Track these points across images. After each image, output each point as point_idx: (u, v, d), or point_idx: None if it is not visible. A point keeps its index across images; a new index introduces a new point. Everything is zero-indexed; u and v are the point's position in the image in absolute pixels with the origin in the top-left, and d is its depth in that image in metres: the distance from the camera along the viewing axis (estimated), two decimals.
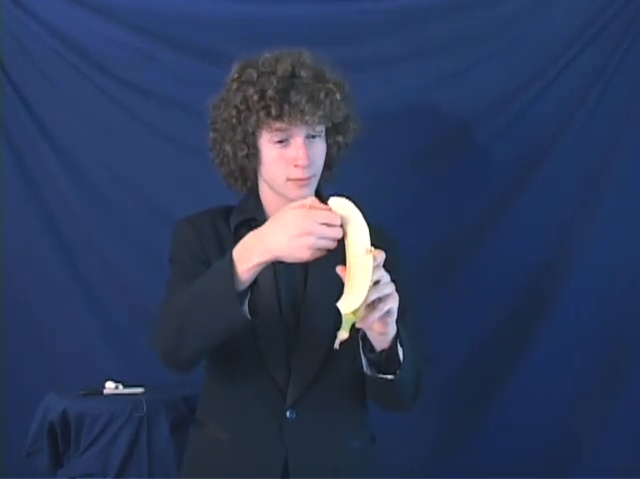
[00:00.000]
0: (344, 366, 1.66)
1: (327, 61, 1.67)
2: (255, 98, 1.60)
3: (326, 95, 1.62)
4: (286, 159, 1.63)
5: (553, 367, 2.23)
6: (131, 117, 2.32)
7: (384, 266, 1.51)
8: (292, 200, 1.64)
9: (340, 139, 1.72)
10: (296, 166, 1.62)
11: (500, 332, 2.26)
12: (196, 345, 1.55)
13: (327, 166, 1.72)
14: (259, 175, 1.71)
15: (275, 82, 1.59)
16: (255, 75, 1.62)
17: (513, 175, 2.25)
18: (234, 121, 1.64)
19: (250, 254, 1.45)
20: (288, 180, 1.64)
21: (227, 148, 1.68)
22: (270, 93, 1.59)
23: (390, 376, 1.53)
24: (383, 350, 1.52)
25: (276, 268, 1.65)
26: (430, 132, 2.26)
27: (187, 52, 2.30)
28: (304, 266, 1.66)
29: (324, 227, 1.41)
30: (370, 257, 1.40)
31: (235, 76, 1.66)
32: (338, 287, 1.54)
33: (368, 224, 1.47)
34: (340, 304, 1.40)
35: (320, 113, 1.61)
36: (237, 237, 1.67)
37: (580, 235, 2.23)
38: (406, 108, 2.26)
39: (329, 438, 1.66)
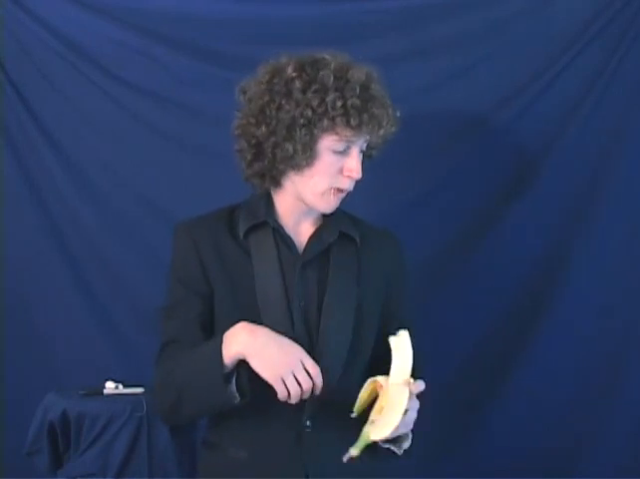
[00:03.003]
0: (359, 373, 1.67)
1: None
2: (339, 104, 1.59)
3: (393, 109, 1.67)
4: (339, 168, 1.63)
5: (553, 367, 2.23)
6: (131, 117, 2.32)
7: (387, 278, 1.67)
8: (319, 210, 1.67)
9: (372, 152, 1.73)
10: (348, 176, 1.64)
11: (501, 332, 2.26)
12: (194, 414, 1.68)
13: None
14: (290, 177, 1.68)
15: (358, 91, 1.60)
16: (331, 79, 1.60)
17: (513, 174, 2.25)
18: (302, 121, 1.60)
19: (233, 346, 1.54)
20: (331, 188, 1.64)
21: (288, 147, 1.61)
22: (354, 102, 1.59)
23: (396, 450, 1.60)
24: None
25: (287, 286, 1.66)
26: (429, 132, 2.26)
27: (188, 52, 2.30)
28: (320, 286, 1.68)
29: (303, 372, 1.53)
30: (407, 390, 1.49)
31: (294, 74, 1.62)
32: (352, 302, 1.60)
33: (374, 225, 1.53)
34: (369, 429, 1.50)
35: (393, 129, 1.66)
36: (247, 242, 1.68)
37: (581, 234, 2.23)
38: (405, 108, 2.25)
39: (344, 445, 1.66)
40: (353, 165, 1.63)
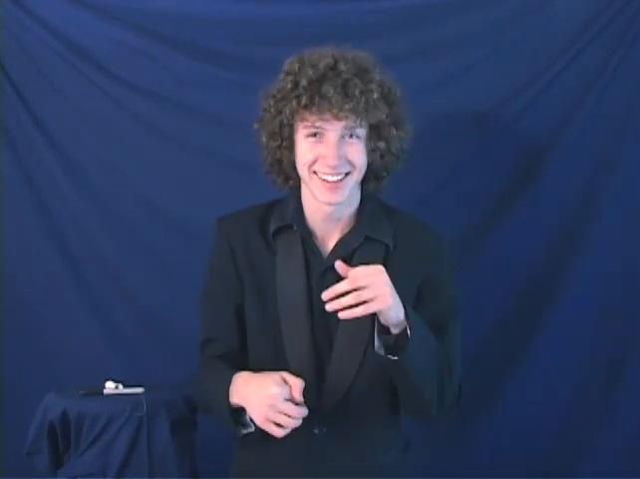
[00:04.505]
0: (374, 380, 1.66)
1: (378, 64, 1.68)
2: (289, 87, 1.60)
3: (361, 92, 1.59)
4: (316, 154, 1.62)
5: (554, 367, 2.23)
6: (130, 117, 2.32)
7: (424, 278, 1.68)
8: (322, 202, 1.65)
9: (382, 145, 1.67)
10: (325, 164, 1.61)
11: (501, 332, 2.26)
12: None
13: (374, 175, 1.71)
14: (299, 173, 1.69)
15: (311, 73, 1.59)
16: (297, 66, 1.62)
17: (513, 175, 2.25)
18: (272, 111, 1.64)
19: (233, 395, 1.62)
20: (313, 173, 1.62)
21: (264, 139, 1.67)
22: (303, 82, 1.59)
23: (395, 357, 1.54)
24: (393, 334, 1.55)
25: (311, 290, 1.67)
26: (429, 132, 2.25)
27: (187, 52, 2.30)
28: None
29: (285, 405, 1.54)
30: None
31: (284, 69, 1.67)
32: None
33: (415, 220, 1.71)
34: None
35: (348, 106, 1.57)
36: (275, 243, 1.69)
37: (581, 234, 2.23)
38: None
39: (357, 453, 1.66)
40: (324, 151, 1.60)
